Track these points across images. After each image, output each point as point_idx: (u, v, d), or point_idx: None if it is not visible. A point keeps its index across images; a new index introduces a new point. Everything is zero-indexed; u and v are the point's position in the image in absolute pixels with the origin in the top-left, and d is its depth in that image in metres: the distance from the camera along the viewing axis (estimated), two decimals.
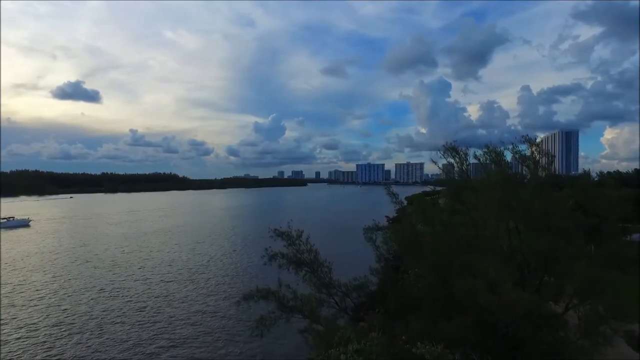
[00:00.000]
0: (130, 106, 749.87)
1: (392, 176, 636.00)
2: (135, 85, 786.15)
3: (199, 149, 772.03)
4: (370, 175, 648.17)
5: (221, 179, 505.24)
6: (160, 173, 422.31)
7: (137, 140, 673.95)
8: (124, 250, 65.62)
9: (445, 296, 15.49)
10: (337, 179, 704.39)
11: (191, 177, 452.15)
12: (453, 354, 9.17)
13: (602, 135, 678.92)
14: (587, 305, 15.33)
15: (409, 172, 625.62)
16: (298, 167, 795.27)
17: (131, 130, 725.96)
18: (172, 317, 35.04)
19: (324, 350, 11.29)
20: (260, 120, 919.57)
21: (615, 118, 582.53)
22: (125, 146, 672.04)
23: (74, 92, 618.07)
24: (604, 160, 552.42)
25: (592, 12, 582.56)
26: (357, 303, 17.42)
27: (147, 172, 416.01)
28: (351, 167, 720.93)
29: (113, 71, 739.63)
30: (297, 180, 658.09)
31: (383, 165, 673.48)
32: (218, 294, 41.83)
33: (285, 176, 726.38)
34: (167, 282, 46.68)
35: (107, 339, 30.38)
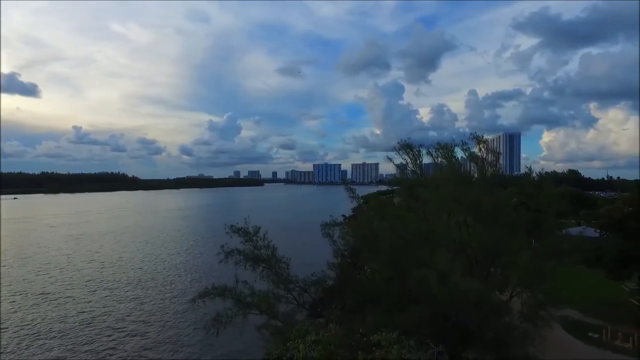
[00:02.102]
0: (73, 102, 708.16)
1: (349, 176, 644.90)
2: (79, 80, 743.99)
3: (150, 147, 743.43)
4: (327, 175, 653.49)
5: (174, 178, 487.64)
6: (107, 173, 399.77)
7: (81, 137, 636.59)
8: (70, 253, 61.62)
9: (401, 290, 15.94)
10: (294, 179, 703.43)
11: (141, 177, 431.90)
12: (408, 340, 9.45)
13: (541, 138, 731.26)
14: (529, 293, 16.46)
15: (365, 172, 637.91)
16: (254, 167, 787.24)
17: (75, 127, 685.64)
18: (123, 317, 33.69)
19: (282, 344, 11.24)
20: (215, 118, 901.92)
21: (551, 122, 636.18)
22: (68, 144, 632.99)
23: (8, 84, 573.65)
24: (542, 162, 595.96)
25: (529, 24, 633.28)
26: (315, 298, 17.46)
27: (93, 172, 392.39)
28: (308, 167, 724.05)
29: (54, 64, 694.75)
30: (254, 181, 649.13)
31: (339, 165, 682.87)
32: (172, 294, 40.51)
33: (242, 176, 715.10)
34: (116, 283, 44.47)
35: (55, 340, 28.56)
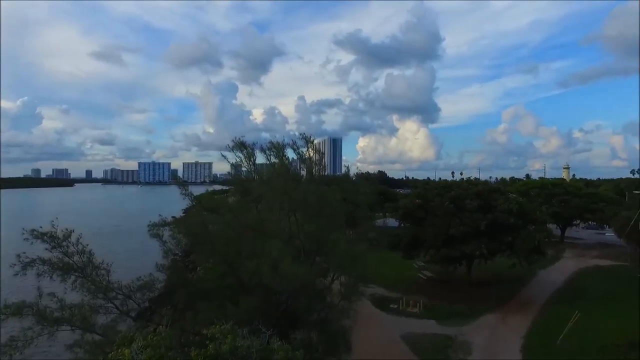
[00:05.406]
0: None
1: (180, 175, 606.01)
2: None
3: None
4: (154, 175, 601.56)
5: None
6: None
7: None
8: None
9: (234, 283, 16.28)
10: (115, 178, 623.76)
11: None
12: (241, 329, 9.85)
13: (357, 142, 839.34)
14: (346, 276, 19.09)
15: (197, 172, 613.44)
16: (61, 165, 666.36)
17: None
18: None
19: (103, 357, 10.23)
20: (4, 103, 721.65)
21: (365, 129, 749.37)
22: None
23: None
24: (359, 164, 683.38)
25: (347, 42, 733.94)
26: (142, 304, 16.19)
27: None
28: (132, 165, 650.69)
29: None
30: (60, 180, 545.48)
31: (169, 164, 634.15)
32: None
33: (44, 175, 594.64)
34: None
35: None
